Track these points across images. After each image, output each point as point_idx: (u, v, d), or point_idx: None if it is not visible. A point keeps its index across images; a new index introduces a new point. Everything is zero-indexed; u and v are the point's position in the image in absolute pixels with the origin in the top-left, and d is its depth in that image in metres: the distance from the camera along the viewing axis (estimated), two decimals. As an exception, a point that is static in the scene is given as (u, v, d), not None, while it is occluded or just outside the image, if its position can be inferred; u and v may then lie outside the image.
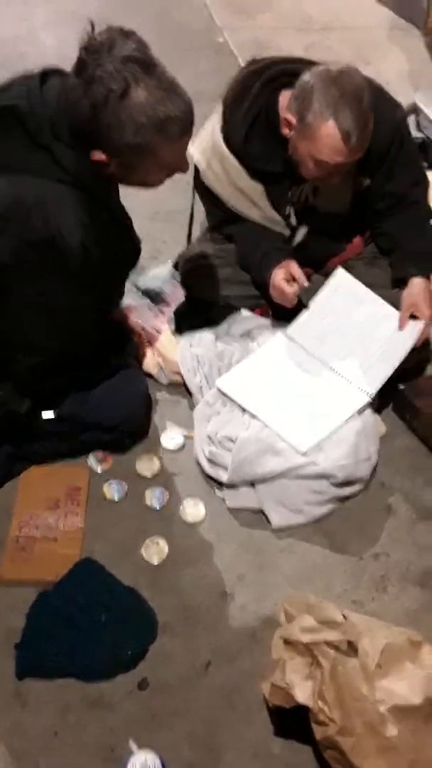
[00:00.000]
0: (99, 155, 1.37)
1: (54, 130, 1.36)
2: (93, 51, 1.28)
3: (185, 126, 1.38)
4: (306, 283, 1.86)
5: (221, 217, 1.99)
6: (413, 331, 1.88)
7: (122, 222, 1.62)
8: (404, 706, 1.23)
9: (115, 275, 1.70)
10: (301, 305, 1.95)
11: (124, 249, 1.65)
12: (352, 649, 1.28)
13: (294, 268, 1.85)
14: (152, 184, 1.49)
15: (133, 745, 1.37)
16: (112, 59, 1.27)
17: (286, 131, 1.71)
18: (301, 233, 2.01)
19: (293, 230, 2.00)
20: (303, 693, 1.23)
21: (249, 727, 1.43)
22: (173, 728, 1.43)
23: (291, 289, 1.84)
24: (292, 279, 1.86)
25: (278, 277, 1.85)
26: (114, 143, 1.34)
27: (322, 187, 1.89)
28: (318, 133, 1.62)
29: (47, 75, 1.40)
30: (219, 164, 1.84)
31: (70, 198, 1.40)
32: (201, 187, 1.95)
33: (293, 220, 1.97)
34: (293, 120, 1.66)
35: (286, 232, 1.99)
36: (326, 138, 1.62)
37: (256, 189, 1.86)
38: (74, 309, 1.52)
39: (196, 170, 1.91)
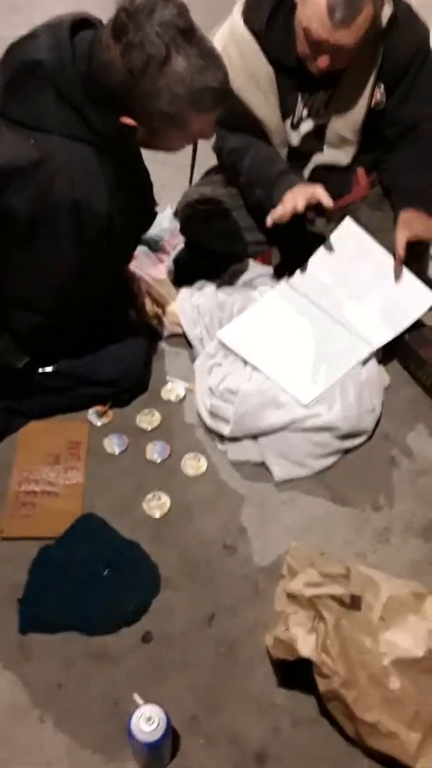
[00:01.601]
0: (128, 120, 1.33)
1: (85, 89, 1.30)
2: (132, 13, 1.22)
3: (219, 97, 1.34)
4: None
5: (228, 115, 1.85)
6: (424, 301, 1.83)
7: (145, 187, 1.59)
8: (407, 659, 1.23)
9: (130, 241, 1.68)
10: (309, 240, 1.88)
11: (143, 213, 1.61)
12: (355, 602, 1.27)
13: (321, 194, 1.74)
14: (174, 150, 1.46)
15: (138, 699, 1.37)
16: (153, 24, 1.22)
17: None
18: (308, 171, 1.93)
19: (294, 157, 1.91)
20: (306, 646, 1.23)
21: (252, 679, 1.43)
22: (176, 681, 1.43)
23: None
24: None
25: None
26: (146, 110, 1.31)
27: (334, 99, 1.80)
28: None
29: (78, 26, 1.33)
30: (235, 48, 1.75)
31: (99, 163, 1.37)
32: None
33: (295, 139, 1.89)
34: None
35: (284, 153, 1.90)
36: (314, 4, 1.56)
37: (271, 80, 1.78)
38: (83, 272, 1.49)
39: None
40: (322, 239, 1.90)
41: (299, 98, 1.82)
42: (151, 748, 1.21)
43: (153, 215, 1.66)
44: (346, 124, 1.86)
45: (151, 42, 1.23)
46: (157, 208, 2.24)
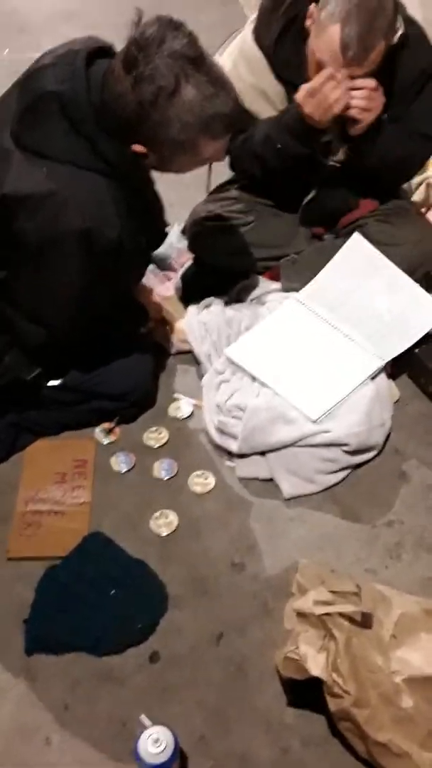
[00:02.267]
0: (139, 148, 1.35)
1: (98, 120, 1.33)
2: (143, 46, 1.25)
3: (230, 123, 1.36)
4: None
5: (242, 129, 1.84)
6: None
7: (155, 209, 1.61)
8: (419, 677, 1.20)
9: (140, 262, 1.69)
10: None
11: (155, 234, 1.63)
12: (366, 620, 1.25)
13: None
14: (185, 172, 1.48)
15: (145, 720, 1.35)
16: (162, 55, 1.24)
17: (308, 22, 1.64)
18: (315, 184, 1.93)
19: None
20: (317, 665, 1.20)
21: (261, 698, 1.41)
22: (184, 701, 1.41)
23: (324, 72, 1.62)
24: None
25: (304, 86, 1.67)
26: (157, 139, 1.33)
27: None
28: (323, 31, 1.58)
29: (93, 56, 1.35)
30: (245, 64, 1.76)
31: (110, 192, 1.39)
32: None
33: None
34: (315, 13, 1.61)
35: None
36: (328, 39, 1.57)
37: (279, 93, 1.78)
38: (91, 294, 1.50)
39: None
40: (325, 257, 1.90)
41: None
42: (158, 770, 1.19)
43: (163, 235, 1.67)
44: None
45: (161, 74, 1.25)
46: (168, 225, 2.28)
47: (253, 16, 1.78)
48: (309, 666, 1.20)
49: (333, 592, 1.26)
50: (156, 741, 1.17)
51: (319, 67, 1.63)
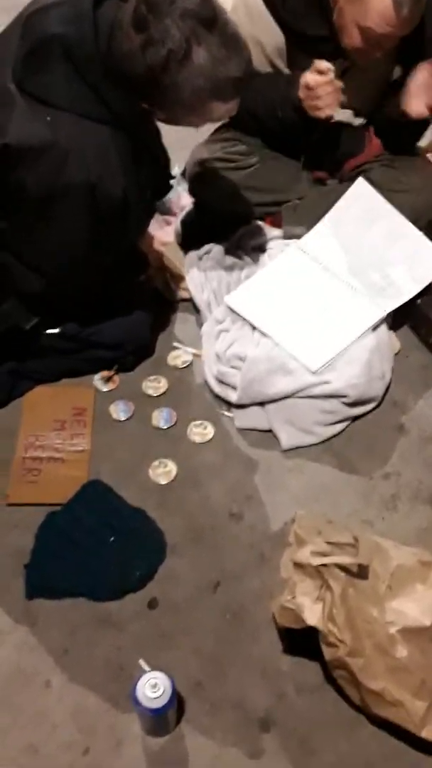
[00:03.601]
0: (147, 105, 1.31)
1: (105, 68, 1.26)
2: (153, 5, 1.18)
3: (243, 83, 1.31)
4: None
5: None
6: None
7: (161, 161, 1.57)
8: (414, 627, 1.22)
9: (145, 214, 1.65)
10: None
11: (160, 185, 1.60)
12: (362, 571, 1.26)
13: (321, 63, 1.63)
14: (198, 126, 1.44)
15: (143, 665, 1.38)
16: (173, 15, 1.18)
17: None
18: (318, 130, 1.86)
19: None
20: (313, 615, 1.22)
21: (257, 646, 1.43)
22: (181, 647, 1.43)
23: (324, 78, 1.63)
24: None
25: (307, 75, 1.65)
26: (167, 101, 1.29)
27: (354, 68, 1.72)
28: None
29: (100, 0, 1.27)
30: (245, 11, 1.68)
31: (114, 144, 1.34)
32: None
33: None
34: None
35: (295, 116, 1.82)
36: (376, 3, 1.50)
37: (278, 47, 1.71)
38: (96, 246, 1.47)
39: None
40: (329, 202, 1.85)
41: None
42: (156, 714, 1.21)
43: (168, 186, 1.62)
44: (364, 93, 1.81)
45: (172, 36, 1.19)
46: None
47: None
48: (305, 616, 1.22)
49: (330, 543, 1.27)
50: (154, 686, 1.19)
51: (364, 36, 1.56)
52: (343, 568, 1.24)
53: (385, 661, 1.20)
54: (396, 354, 1.87)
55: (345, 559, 1.22)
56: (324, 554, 1.24)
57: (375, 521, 1.61)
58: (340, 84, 1.64)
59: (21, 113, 1.30)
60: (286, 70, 1.75)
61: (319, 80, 1.62)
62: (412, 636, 1.21)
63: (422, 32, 1.66)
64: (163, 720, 1.26)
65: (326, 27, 1.64)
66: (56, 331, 1.66)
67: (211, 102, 1.30)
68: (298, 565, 1.27)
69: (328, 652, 1.23)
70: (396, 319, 1.90)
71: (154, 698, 1.20)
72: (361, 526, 1.59)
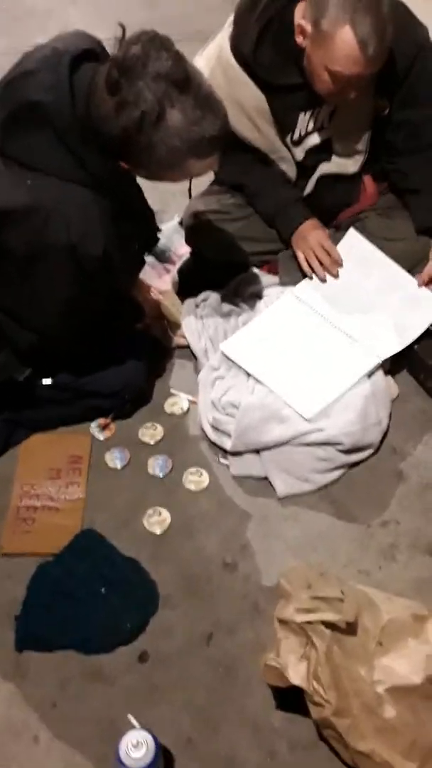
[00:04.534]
0: (126, 165, 1.34)
1: (83, 133, 1.29)
2: (125, 68, 1.21)
3: (219, 141, 1.33)
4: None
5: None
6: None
7: (144, 214, 1.59)
8: (403, 686, 1.19)
9: (131, 268, 1.68)
10: None
11: (144, 239, 1.62)
12: (349, 627, 1.23)
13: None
14: (177, 182, 1.46)
15: (132, 720, 1.36)
16: (146, 78, 1.20)
17: (300, 39, 1.57)
18: (313, 180, 1.90)
19: (301, 169, 1.87)
20: (297, 674, 1.19)
21: (249, 700, 1.40)
22: (173, 701, 1.41)
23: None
24: None
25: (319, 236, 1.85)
26: (143, 161, 1.31)
27: (339, 110, 1.75)
28: (333, 40, 1.49)
29: (78, 62, 1.30)
30: (222, 74, 1.70)
31: (95, 206, 1.36)
32: None
33: (299, 154, 1.84)
34: (308, 27, 1.53)
35: (292, 170, 1.86)
36: (342, 46, 1.49)
37: (259, 107, 1.73)
38: (81, 302, 1.49)
39: None
40: None
41: (300, 115, 1.77)
42: (141, 774, 1.19)
43: (156, 238, 1.65)
44: (354, 134, 1.82)
45: (144, 99, 1.21)
46: (165, 217, 2.26)
47: (230, 20, 1.71)
48: (289, 674, 1.19)
49: (316, 598, 1.24)
50: (136, 745, 1.17)
51: (334, 79, 1.57)
52: (329, 624, 1.22)
53: (373, 722, 1.17)
54: (394, 399, 1.86)
55: (329, 616, 1.20)
56: (309, 610, 1.22)
57: (372, 571, 1.58)
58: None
59: (2, 177, 1.33)
60: (270, 129, 1.76)
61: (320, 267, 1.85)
62: (401, 695, 1.18)
63: (396, 66, 1.67)
64: (148, 779, 1.23)
65: (299, 74, 1.66)
66: (50, 381, 1.66)
67: (188, 160, 1.32)
68: (283, 622, 1.25)
69: (314, 711, 1.20)
70: (395, 364, 1.89)
71: (137, 758, 1.17)
72: (358, 576, 1.57)
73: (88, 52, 1.34)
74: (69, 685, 1.43)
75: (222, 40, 1.71)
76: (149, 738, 1.19)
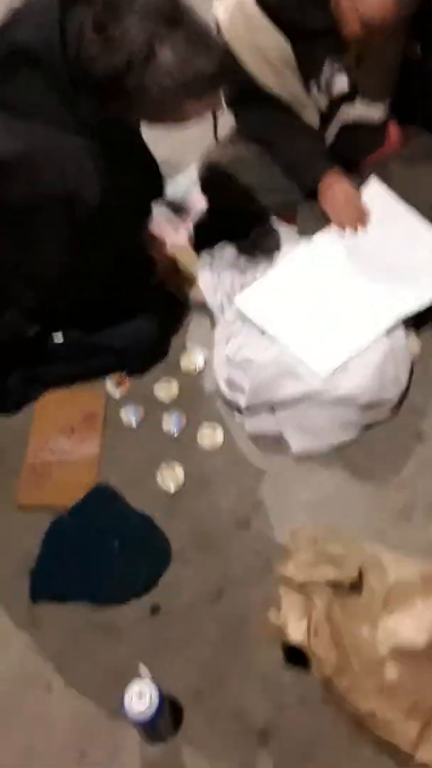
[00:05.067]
0: (121, 107, 1.28)
1: (73, 77, 1.25)
2: (111, 6, 1.16)
3: (216, 80, 1.27)
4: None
5: (240, 89, 1.74)
6: None
7: (145, 164, 1.55)
8: (406, 647, 1.18)
9: (134, 219, 1.64)
10: None
11: (147, 190, 1.57)
12: (355, 586, 1.23)
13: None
14: (180, 126, 1.39)
15: (143, 670, 1.38)
16: (133, 14, 1.15)
17: None
18: (335, 126, 1.83)
19: (323, 117, 1.81)
20: (297, 632, 1.20)
21: (258, 656, 1.41)
22: (183, 655, 1.43)
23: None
24: None
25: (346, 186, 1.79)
26: (138, 103, 1.26)
27: (367, 55, 1.67)
28: None
29: (70, 3, 1.25)
30: (243, 22, 1.62)
31: (89, 153, 1.32)
32: None
33: (322, 102, 1.77)
34: None
35: (315, 119, 1.80)
36: None
37: (282, 54, 1.65)
38: (84, 254, 1.46)
39: (218, 30, 1.66)
40: None
41: (326, 60, 1.70)
42: (146, 725, 1.21)
43: (161, 189, 1.60)
44: (381, 80, 1.75)
45: (132, 37, 1.16)
46: (182, 167, 2.20)
47: None
48: (289, 632, 1.19)
49: (320, 555, 1.23)
50: (140, 696, 1.19)
51: (364, 22, 1.49)
52: (332, 583, 1.21)
53: (373, 682, 1.16)
54: (415, 357, 1.81)
55: (329, 574, 1.19)
56: (309, 569, 1.21)
57: (387, 532, 1.56)
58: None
59: None
60: (293, 77, 1.70)
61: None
62: (404, 656, 1.17)
63: (429, 5, 1.58)
64: (154, 728, 1.26)
65: (327, 18, 1.58)
66: (60, 339, 1.66)
67: (184, 101, 1.27)
68: (284, 579, 1.24)
69: (315, 670, 1.21)
70: (417, 321, 1.84)
71: (142, 709, 1.19)
72: (372, 536, 1.54)
73: None
74: (81, 636, 1.46)
75: None
76: (153, 688, 1.21)
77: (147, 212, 1.67)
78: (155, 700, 1.20)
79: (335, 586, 1.20)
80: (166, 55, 1.19)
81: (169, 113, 1.31)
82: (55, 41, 1.23)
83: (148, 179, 1.56)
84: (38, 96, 1.28)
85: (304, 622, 1.19)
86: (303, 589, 1.22)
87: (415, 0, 1.47)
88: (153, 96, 1.24)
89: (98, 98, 1.27)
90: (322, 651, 1.17)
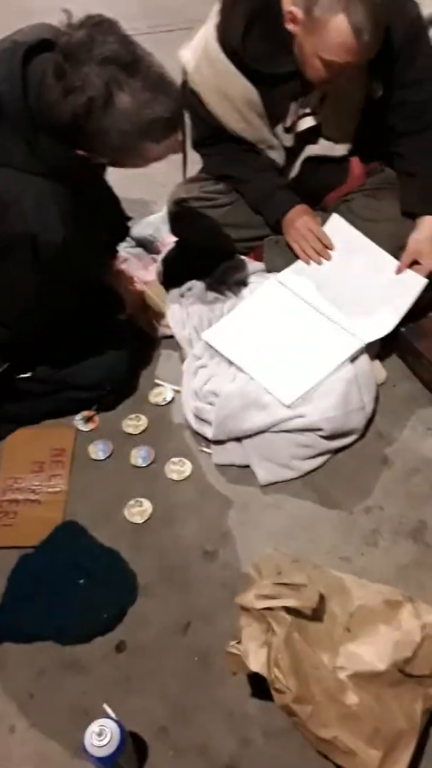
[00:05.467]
0: (82, 153, 1.32)
1: (35, 122, 1.30)
2: (70, 54, 1.20)
3: (172, 123, 1.31)
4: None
5: (206, 132, 1.81)
6: (415, 287, 1.76)
7: (108, 205, 1.59)
8: (367, 672, 1.17)
9: (98, 258, 1.68)
10: None
11: (110, 229, 1.62)
12: (316, 613, 1.21)
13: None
14: (143, 167, 1.43)
15: (107, 709, 1.36)
16: (92, 63, 1.19)
17: (291, 26, 1.54)
18: (299, 162, 1.88)
19: (289, 155, 1.85)
20: (257, 661, 1.18)
21: (223, 688, 1.39)
22: (148, 690, 1.41)
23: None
24: None
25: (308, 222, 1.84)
26: (97, 146, 1.30)
27: (330, 95, 1.72)
28: (326, 28, 1.46)
29: (32, 53, 1.30)
30: (209, 68, 1.67)
31: (51, 194, 1.36)
32: (187, 94, 1.73)
33: (288, 141, 1.82)
34: (299, 14, 1.49)
35: (281, 157, 1.84)
36: (336, 34, 1.46)
37: (248, 99, 1.69)
38: (47, 294, 1.49)
39: (185, 74, 1.72)
40: None
41: (292, 103, 1.74)
42: (103, 763, 1.19)
43: (125, 228, 1.64)
44: (345, 118, 1.79)
45: (91, 84, 1.20)
46: (155, 208, 2.25)
47: (215, 9, 1.67)
48: (249, 661, 1.18)
49: (279, 584, 1.23)
50: (100, 734, 1.17)
51: (327, 67, 1.53)
52: (292, 610, 1.20)
53: (335, 709, 1.15)
54: (382, 384, 1.83)
55: (288, 602, 1.18)
56: (268, 597, 1.20)
57: (354, 557, 1.56)
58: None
59: None
60: (259, 120, 1.74)
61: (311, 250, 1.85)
62: (365, 681, 1.16)
63: (391, 46, 1.63)
64: (115, 767, 1.23)
65: (290, 63, 1.63)
66: (28, 375, 1.67)
67: (142, 144, 1.31)
68: (245, 609, 1.23)
69: (277, 699, 1.19)
70: (384, 349, 1.86)
71: (101, 746, 1.17)
72: (339, 563, 1.54)
73: (46, 42, 1.33)
74: (46, 676, 1.44)
75: (207, 31, 1.68)
76: (114, 726, 1.19)
77: (112, 250, 1.71)
78: (116, 738, 1.17)
79: (297, 614, 1.19)
80: (124, 100, 1.23)
81: (130, 156, 1.35)
82: (17, 89, 1.28)
83: (112, 218, 1.60)
84: (3, 141, 1.32)
85: (264, 651, 1.18)
86: (263, 618, 1.21)
87: (378, 42, 1.52)
88: (112, 139, 1.28)
89: (60, 142, 1.31)
90: (282, 679, 1.15)
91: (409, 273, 1.79)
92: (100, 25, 1.22)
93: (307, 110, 1.77)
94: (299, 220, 1.85)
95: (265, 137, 1.80)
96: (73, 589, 1.52)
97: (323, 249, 1.85)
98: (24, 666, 1.45)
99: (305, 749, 1.30)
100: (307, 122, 1.79)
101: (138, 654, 1.46)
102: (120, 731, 1.19)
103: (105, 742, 1.17)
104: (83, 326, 1.69)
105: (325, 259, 1.85)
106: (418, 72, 1.70)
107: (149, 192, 2.33)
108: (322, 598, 1.26)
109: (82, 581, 1.52)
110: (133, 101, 1.23)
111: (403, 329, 1.82)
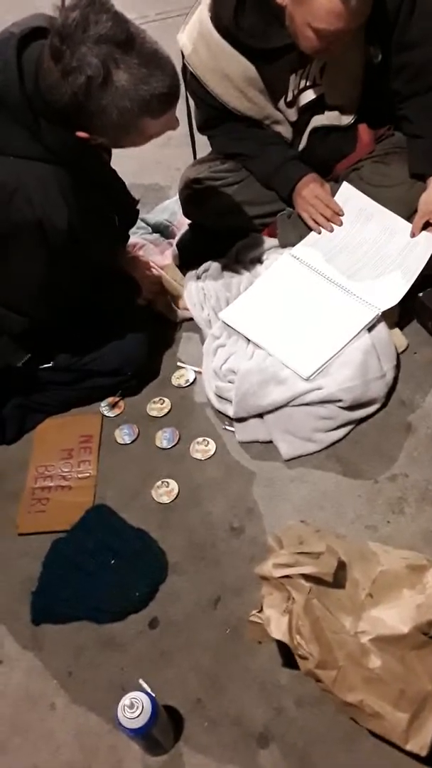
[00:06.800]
0: (83, 134, 1.34)
1: (33, 107, 1.32)
2: (66, 35, 1.22)
3: (170, 98, 1.33)
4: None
5: (210, 113, 1.82)
6: (429, 248, 1.73)
7: (113, 188, 1.60)
8: (390, 636, 1.17)
9: (107, 241, 1.68)
10: None
11: (118, 213, 1.63)
12: (337, 579, 1.22)
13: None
14: (140, 145, 1.44)
15: (143, 684, 1.39)
16: (87, 42, 1.21)
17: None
18: (306, 134, 1.86)
19: (295, 129, 1.84)
20: (279, 629, 1.19)
21: (255, 659, 1.42)
22: (182, 664, 1.44)
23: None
24: None
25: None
26: (98, 125, 1.32)
27: (330, 64, 1.71)
28: None
29: (27, 40, 1.33)
30: (205, 48, 1.68)
31: (54, 179, 1.38)
32: (188, 77, 1.76)
33: (292, 115, 1.81)
34: None
35: (287, 131, 1.84)
36: (323, 1, 1.45)
37: (247, 76, 1.70)
38: (58, 278, 1.52)
39: (183, 57, 1.72)
40: None
41: (291, 76, 1.73)
42: (140, 735, 1.22)
43: (135, 211, 1.66)
44: (346, 86, 1.77)
45: (88, 63, 1.22)
46: (171, 193, 2.26)
47: None
48: (271, 629, 1.19)
49: (297, 553, 1.24)
50: (131, 707, 1.20)
51: (319, 36, 1.52)
52: (312, 578, 1.21)
53: (359, 672, 1.16)
54: (403, 351, 1.81)
55: (305, 569, 1.19)
56: (286, 565, 1.21)
57: (379, 526, 1.56)
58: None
59: None
60: (261, 97, 1.74)
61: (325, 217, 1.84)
62: (388, 645, 1.16)
63: (385, 10, 1.61)
64: (150, 739, 1.26)
65: (285, 36, 1.61)
66: (49, 364, 1.71)
67: (142, 120, 1.32)
68: (265, 578, 1.25)
69: (301, 665, 1.21)
70: (403, 316, 1.84)
71: (134, 719, 1.20)
72: (365, 532, 1.55)
73: (40, 30, 1.35)
74: (83, 654, 1.48)
75: (201, 13, 1.68)
76: (145, 698, 1.22)
77: (122, 232, 1.72)
78: (147, 710, 1.20)
79: (318, 581, 1.20)
80: (121, 77, 1.25)
81: (130, 133, 1.36)
82: (13, 77, 1.30)
83: (119, 201, 1.61)
84: (2, 131, 1.35)
85: (286, 619, 1.19)
86: (282, 586, 1.22)
87: (367, 7, 1.50)
88: (112, 117, 1.29)
89: (61, 125, 1.34)
90: (305, 645, 1.17)
91: (423, 234, 1.76)
92: (92, 5, 1.23)
93: (308, 83, 1.76)
94: (305, 188, 1.84)
95: (269, 113, 1.79)
96: (106, 570, 1.56)
97: (333, 215, 1.83)
98: (62, 645, 1.50)
99: (337, 716, 1.32)
100: (309, 95, 1.78)
101: (171, 629, 1.49)
102: (152, 703, 1.22)
103: (136, 714, 1.20)
104: (100, 313, 1.71)
105: (336, 225, 1.84)
106: (416, 34, 1.67)
107: (165, 177, 2.34)
108: (342, 565, 1.26)
109: (113, 562, 1.56)
110: (130, 78, 1.25)
111: (420, 294, 1.80)
